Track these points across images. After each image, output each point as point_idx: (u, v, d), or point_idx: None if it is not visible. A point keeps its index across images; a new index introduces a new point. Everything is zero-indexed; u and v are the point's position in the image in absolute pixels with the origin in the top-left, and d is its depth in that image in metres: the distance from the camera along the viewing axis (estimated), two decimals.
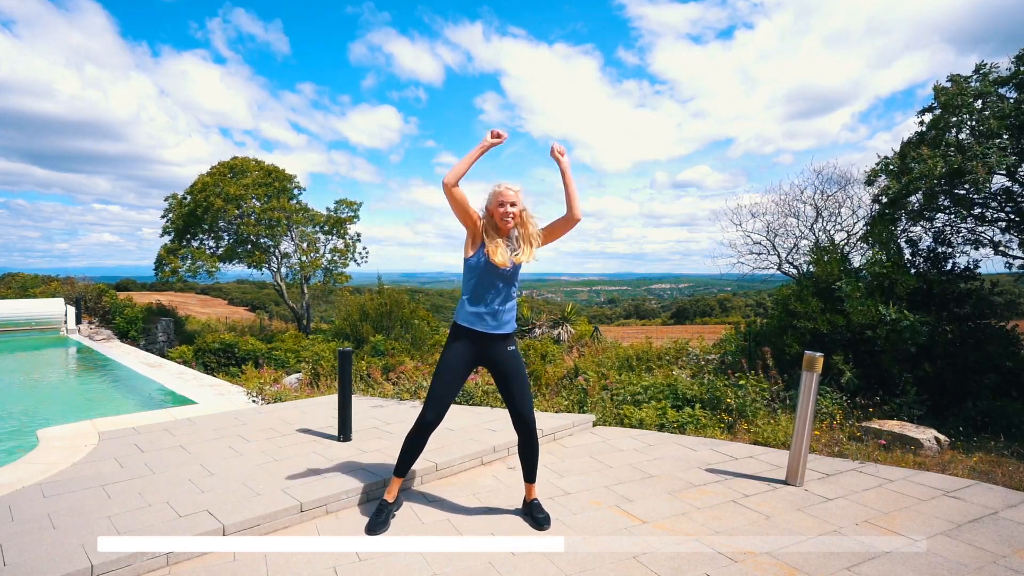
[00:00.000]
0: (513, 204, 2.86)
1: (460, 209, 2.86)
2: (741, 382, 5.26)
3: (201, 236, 21.00)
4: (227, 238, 21.08)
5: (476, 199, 2.96)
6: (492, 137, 2.85)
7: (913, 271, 6.22)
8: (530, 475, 3.10)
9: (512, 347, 3.00)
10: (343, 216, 22.68)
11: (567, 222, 2.92)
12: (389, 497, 3.06)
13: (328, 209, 22.68)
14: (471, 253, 2.93)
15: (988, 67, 6.10)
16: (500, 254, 2.83)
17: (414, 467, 3.58)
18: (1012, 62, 5.91)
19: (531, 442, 3.04)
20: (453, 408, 5.20)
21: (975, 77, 6.17)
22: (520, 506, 3.21)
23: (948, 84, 6.27)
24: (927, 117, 6.54)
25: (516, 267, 2.92)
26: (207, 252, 20.59)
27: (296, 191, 21.99)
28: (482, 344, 2.95)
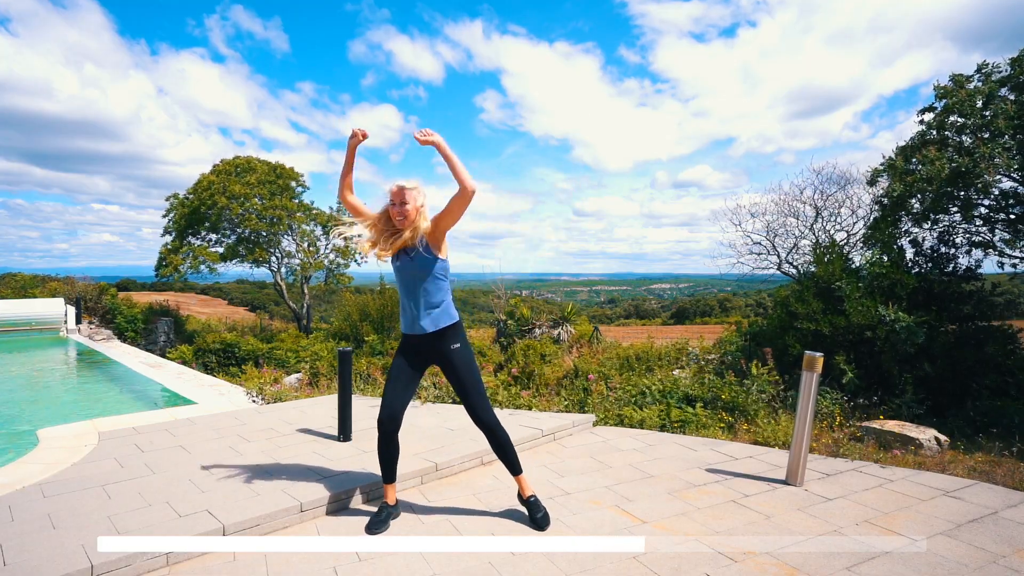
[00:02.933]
0: (404, 203, 2.81)
1: (359, 217, 2.95)
2: (752, 374, 5.25)
3: (203, 234, 21.00)
4: (229, 237, 21.08)
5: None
6: (351, 137, 2.90)
7: (915, 271, 6.22)
8: (512, 469, 3.07)
9: (456, 345, 2.93)
10: (343, 217, 22.62)
11: (460, 198, 2.77)
12: (388, 500, 3.07)
13: (330, 208, 22.68)
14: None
15: (991, 67, 6.10)
16: (381, 247, 2.86)
17: (414, 467, 3.59)
18: (1008, 64, 5.93)
19: (496, 441, 2.99)
20: (453, 408, 5.20)
21: (977, 77, 6.17)
22: (517, 501, 3.20)
23: (950, 83, 6.26)
24: (928, 116, 6.53)
25: (424, 261, 2.82)
26: (209, 248, 20.57)
27: (300, 189, 21.98)
28: (421, 346, 2.94)
